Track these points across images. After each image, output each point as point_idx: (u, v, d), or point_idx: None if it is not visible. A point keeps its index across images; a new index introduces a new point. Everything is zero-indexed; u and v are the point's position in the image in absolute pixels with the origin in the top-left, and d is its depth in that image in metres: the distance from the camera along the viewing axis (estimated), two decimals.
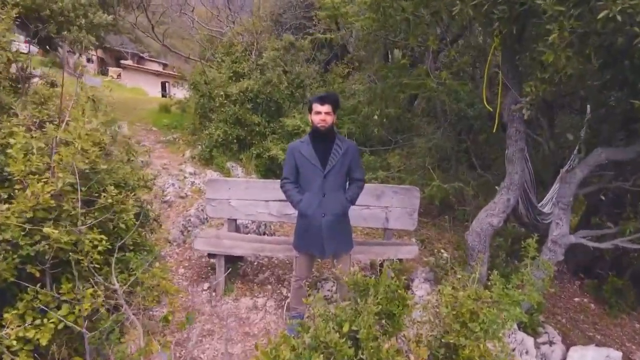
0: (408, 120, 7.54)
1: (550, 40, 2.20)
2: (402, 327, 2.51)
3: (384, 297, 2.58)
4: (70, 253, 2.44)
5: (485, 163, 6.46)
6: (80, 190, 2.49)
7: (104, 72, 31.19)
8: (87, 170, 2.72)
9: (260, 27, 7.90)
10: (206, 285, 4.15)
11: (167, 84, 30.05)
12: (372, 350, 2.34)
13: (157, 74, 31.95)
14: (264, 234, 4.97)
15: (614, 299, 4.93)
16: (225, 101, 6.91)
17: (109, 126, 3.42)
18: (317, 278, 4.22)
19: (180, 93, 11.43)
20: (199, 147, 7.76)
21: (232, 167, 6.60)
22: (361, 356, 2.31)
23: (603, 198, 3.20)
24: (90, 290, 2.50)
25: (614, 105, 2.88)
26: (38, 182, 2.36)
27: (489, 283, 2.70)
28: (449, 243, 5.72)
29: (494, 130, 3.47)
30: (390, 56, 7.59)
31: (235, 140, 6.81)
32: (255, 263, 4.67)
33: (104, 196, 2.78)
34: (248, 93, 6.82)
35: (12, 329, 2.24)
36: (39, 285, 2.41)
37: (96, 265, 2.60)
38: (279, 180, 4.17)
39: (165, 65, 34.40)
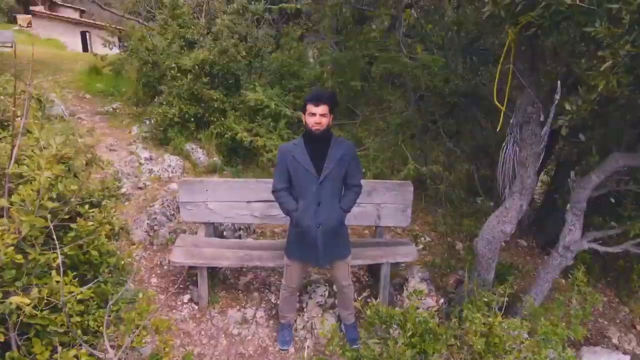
0: (372, 91, 7.23)
1: (603, 68, 1.98)
2: None
3: (414, 332, 2.38)
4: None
5: (455, 138, 6.38)
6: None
7: (10, 20, 27.48)
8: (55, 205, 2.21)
9: None
10: (186, 298, 3.76)
11: (87, 34, 27.02)
12: None
13: (75, 22, 28.22)
14: (240, 230, 4.59)
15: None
16: (178, 74, 6.18)
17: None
18: (307, 282, 3.97)
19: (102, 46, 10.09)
20: (147, 122, 7.01)
21: (192, 149, 6.01)
22: None
23: (613, 200, 3.17)
24: (73, 353, 2.07)
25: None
26: None
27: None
28: (426, 224, 5.65)
29: (498, 130, 3.28)
30: (355, 26, 7.13)
31: (192, 119, 6.17)
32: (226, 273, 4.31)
33: (74, 228, 2.35)
34: (204, 65, 6.14)
35: None
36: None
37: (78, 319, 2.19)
38: (264, 180, 3.81)
39: (82, 12, 30.77)
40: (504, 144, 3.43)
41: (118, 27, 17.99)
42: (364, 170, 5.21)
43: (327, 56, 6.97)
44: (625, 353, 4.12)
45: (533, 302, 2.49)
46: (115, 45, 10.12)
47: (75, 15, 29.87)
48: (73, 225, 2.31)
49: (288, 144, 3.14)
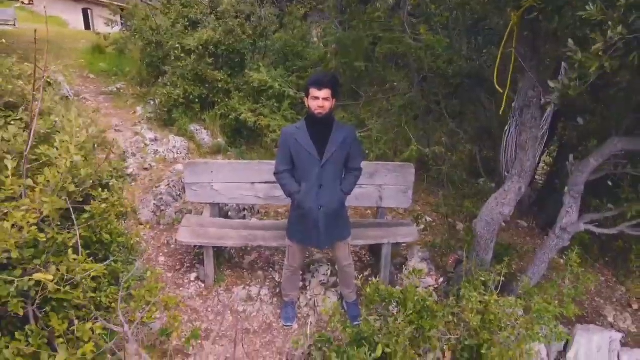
0: (376, 71, 7.21)
1: (593, 50, 2.01)
2: (433, 341, 2.44)
3: (413, 310, 2.47)
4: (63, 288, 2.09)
5: (458, 119, 6.39)
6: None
7: None
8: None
9: None
10: (193, 276, 3.88)
11: (89, 11, 26.72)
12: None
13: None
14: (244, 211, 4.68)
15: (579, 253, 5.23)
16: (181, 54, 6.19)
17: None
18: (310, 261, 4.07)
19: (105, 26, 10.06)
20: (152, 103, 7.05)
21: (197, 130, 6.07)
22: None
23: (610, 184, 3.22)
24: (90, 326, 2.19)
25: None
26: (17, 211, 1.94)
27: (518, 284, 2.68)
28: (428, 205, 5.73)
29: (501, 112, 3.32)
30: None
31: (196, 100, 6.21)
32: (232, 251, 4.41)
33: (89, 210, 2.45)
34: (209, 45, 6.13)
35: None
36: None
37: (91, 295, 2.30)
38: (266, 162, 3.88)
39: None
40: (506, 127, 3.47)
41: (120, 4, 17.82)
42: (367, 152, 5.27)
43: (331, 36, 6.94)
44: (619, 331, 4.23)
45: (529, 281, 2.57)
46: (117, 24, 10.08)
47: None
48: (87, 207, 2.40)
49: (291, 126, 3.19)
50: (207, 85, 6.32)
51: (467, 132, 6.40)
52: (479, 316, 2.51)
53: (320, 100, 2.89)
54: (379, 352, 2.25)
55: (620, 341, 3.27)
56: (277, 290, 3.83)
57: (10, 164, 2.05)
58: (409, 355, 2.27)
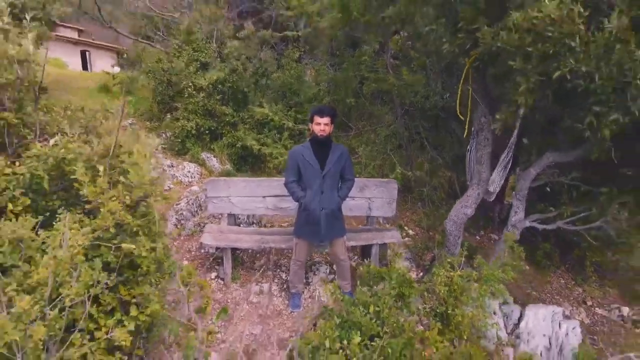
0: (363, 106, 8.17)
1: (520, 90, 2.91)
2: (411, 305, 3.20)
3: (397, 281, 3.24)
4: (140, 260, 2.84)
5: (436, 147, 7.30)
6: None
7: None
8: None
9: (219, 16, 8.03)
10: (214, 275, 4.59)
11: (87, 53, 27.88)
12: (394, 325, 3.00)
13: (74, 42, 29.12)
14: (253, 224, 5.44)
15: (544, 261, 6.04)
16: (193, 92, 7.09)
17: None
18: (312, 262, 4.82)
19: (102, 65, 11.00)
20: (163, 135, 7.87)
21: (207, 157, 6.89)
22: (386, 330, 2.97)
23: (549, 190, 4.06)
24: (156, 292, 2.93)
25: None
26: (112, 201, 2.72)
27: (472, 262, 3.46)
28: (411, 221, 6.53)
29: (465, 136, 4.20)
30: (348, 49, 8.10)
31: (207, 131, 7.06)
32: (250, 251, 5.14)
33: (145, 205, 3.21)
34: (217, 84, 7.05)
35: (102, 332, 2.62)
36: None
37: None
38: (275, 179, 4.69)
39: (81, 31, 31.71)
40: (468, 147, 4.35)
41: (115, 46, 19.03)
42: (357, 175, 6.12)
43: (324, 76, 7.92)
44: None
45: (482, 258, 3.35)
46: (119, 66, 11.03)
47: (74, 35, 30.68)
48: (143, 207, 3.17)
49: (298, 147, 4.02)
50: (215, 119, 7.19)
51: (445, 159, 7.30)
52: (446, 287, 3.28)
53: (322, 125, 3.74)
54: (371, 309, 2.99)
55: (564, 313, 4.02)
56: (285, 286, 4.55)
57: (101, 167, 2.85)
58: (392, 312, 3.01)
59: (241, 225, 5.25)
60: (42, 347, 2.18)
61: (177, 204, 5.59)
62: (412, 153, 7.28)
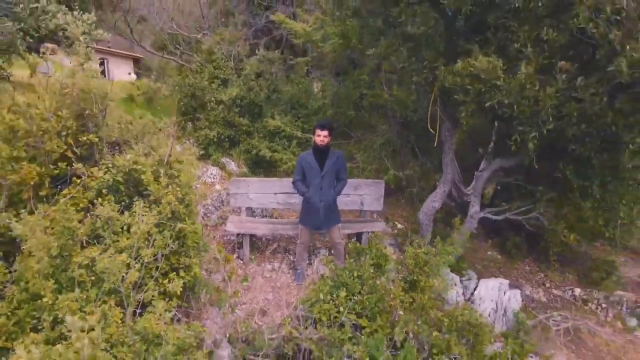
0: (362, 118, 9.26)
1: (462, 115, 4.01)
2: (387, 274, 4.29)
3: (375, 255, 4.34)
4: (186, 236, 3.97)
5: (424, 153, 8.36)
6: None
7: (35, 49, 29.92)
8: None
9: (237, 38, 9.21)
10: (235, 256, 5.72)
11: (105, 61, 29.36)
12: (371, 285, 4.09)
13: (95, 49, 30.62)
14: (266, 216, 6.57)
15: (514, 251, 7.08)
16: (215, 105, 8.25)
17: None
18: (314, 247, 5.93)
19: (120, 73, 12.16)
20: (187, 143, 9.04)
21: (227, 162, 8.04)
22: (365, 288, 4.06)
23: (499, 188, 5.12)
24: (197, 261, 4.07)
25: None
26: (169, 196, 3.85)
27: (434, 242, 4.55)
28: (401, 217, 7.61)
29: (435, 145, 5.29)
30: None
31: (226, 139, 8.22)
32: (264, 238, 6.26)
33: (188, 198, 4.33)
34: (236, 99, 8.22)
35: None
36: None
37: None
38: (285, 179, 5.81)
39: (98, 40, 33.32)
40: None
41: (130, 53, 20.34)
42: (355, 177, 7.21)
43: (328, 91, 9.04)
44: (533, 301, 6.03)
45: (440, 239, 4.41)
46: (136, 75, 12.21)
47: (93, 44, 32.23)
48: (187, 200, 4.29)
49: (304, 153, 5.13)
50: (233, 128, 8.35)
51: (434, 164, 8.37)
52: (413, 261, 4.36)
53: (322, 136, 4.85)
54: (355, 274, 4.09)
55: (510, 284, 5.08)
56: (292, 266, 5.65)
57: (162, 170, 4.00)
58: (370, 276, 4.10)
59: (257, 216, 6.38)
60: (131, 287, 3.31)
61: (204, 201, 6.73)
62: (404, 158, 8.36)
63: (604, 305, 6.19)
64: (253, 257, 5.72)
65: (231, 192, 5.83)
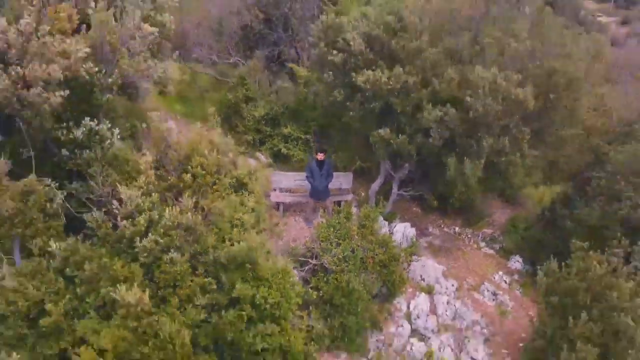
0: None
1: (379, 138, 9.19)
2: (350, 220, 9.60)
3: (346, 212, 9.63)
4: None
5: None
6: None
7: None
8: None
9: (259, 69, 13.97)
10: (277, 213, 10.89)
11: None
12: (343, 225, 9.40)
13: None
14: (289, 191, 11.77)
15: (428, 208, 12.40)
16: (250, 117, 13.15)
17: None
18: (316, 208, 11.17)
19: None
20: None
21: (259, 156, 13.06)
22: (341, 227, 9.36)
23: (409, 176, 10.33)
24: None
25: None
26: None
27: (375, 206, 9.78)
28: (362, 191, 12.83)
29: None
30: None
31: (258, 141, 13.21)
32: (289, 203, 11.38)
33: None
34: (264, 114, 13.14)
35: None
36: None
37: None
38: (299, 173, 11.04)
39: None
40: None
41: None
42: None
43: (320, 102, 13.96)
44: (430, 234, 11.43)
45: (377, 205, 9.57)
46: None
47: None
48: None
49: (311, 162, 10.24)
50: (261, 133, 13.31)
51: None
52: (364, 214, 9.60)
53: (319, 155, 10.01)
54: (336, 221, 9.31)
55: (410, 225, 10.43)
56: (305, 217, 10.87)
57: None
58: (343, 222, 9.31)
59: (284, 192, 11.57)
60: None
61: None
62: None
63: (469, 236, 11.64)
64: (285, 215, 10.93)
65: (272, 179, 10.93)
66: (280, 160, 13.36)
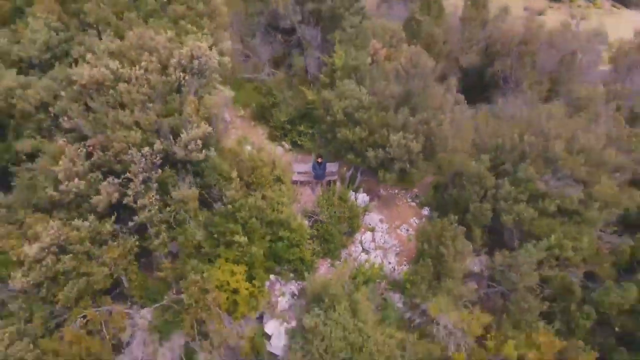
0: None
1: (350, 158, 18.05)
2: (335, 193, 18.77)
3: (333, 188, 18.76)
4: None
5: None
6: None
7: None
8: None
9: (284, 79, 21.97)
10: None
11: None
12: (332, 196, 18.61)
13: None
14: (301, 173, 20.68)
15: (383, 180, 21.27)
16: (279, 117, 21.41)
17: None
18: (317, 184, 20.14)
19: None
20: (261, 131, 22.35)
21: (283, 145, 21.61)
22: (331, 197, 18.53)
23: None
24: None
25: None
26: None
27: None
28: (344, 172, 21.62)
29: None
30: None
31: (283, 134, 21.68)
32: (304, 181, 20.22)
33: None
34: (287, 117, 21.46)
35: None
36: None
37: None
38: (309, 164, 20.02)
39: None
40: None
41: None
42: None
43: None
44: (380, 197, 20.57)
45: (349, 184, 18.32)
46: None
47: None
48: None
49: (314, 162, 19.04)
50: (284, 130, 21.72)
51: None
52: (343, 189, 18.57)
53: (319, 159, 18.80)
54: (329, 194, 18.29)
55: (366, 194, 19.46)
56: (312, 189, 19.83)
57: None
58: (332, 193, 18.25)
59: (300, 174, 20.45)
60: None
61: None
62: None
63: (402, 196, 20.74)
64: (300, 187, 19.90)
65: (294, 163, 19.73)
66: (297, 148, 21.96)
